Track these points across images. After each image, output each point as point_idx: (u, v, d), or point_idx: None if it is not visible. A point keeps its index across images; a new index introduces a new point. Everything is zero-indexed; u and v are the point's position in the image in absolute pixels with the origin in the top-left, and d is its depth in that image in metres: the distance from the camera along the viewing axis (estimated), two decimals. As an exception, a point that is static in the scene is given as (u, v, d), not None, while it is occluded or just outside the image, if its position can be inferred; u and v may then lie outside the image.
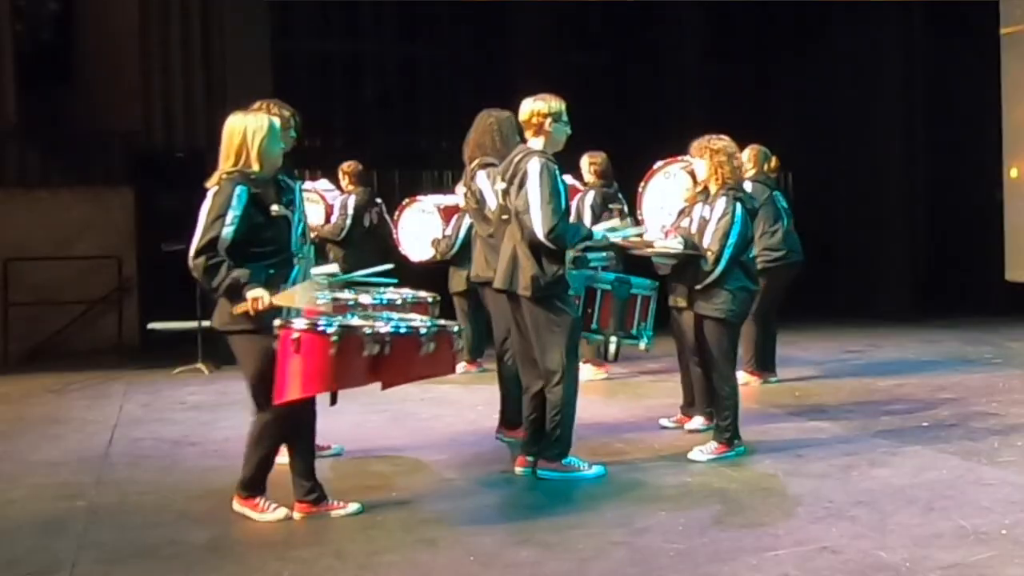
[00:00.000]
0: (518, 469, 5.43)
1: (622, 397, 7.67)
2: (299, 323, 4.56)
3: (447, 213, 8.61)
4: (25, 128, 10.96)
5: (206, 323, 9.28)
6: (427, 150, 13.45)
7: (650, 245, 5.96)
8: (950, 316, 12.14)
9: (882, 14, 12.97)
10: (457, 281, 8.40)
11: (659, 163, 6.93)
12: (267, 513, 4.70)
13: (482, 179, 6.10)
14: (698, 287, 5.71)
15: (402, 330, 4.65)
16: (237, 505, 4.75)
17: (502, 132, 6.13)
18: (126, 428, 6.88)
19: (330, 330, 4.49)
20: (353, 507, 4.74)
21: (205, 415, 7.31)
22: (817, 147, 14.04)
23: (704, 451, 5.71)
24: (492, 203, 6.03)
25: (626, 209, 7.82)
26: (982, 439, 6.04)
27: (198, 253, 4.50)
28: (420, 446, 6.10)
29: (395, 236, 8.81)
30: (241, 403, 7.66)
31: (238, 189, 4.49)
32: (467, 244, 7.54)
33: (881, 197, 13.25)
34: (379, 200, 9.30)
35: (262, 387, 4.58)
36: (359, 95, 12.16)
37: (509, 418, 6.18)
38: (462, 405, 7.14)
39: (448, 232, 8.40)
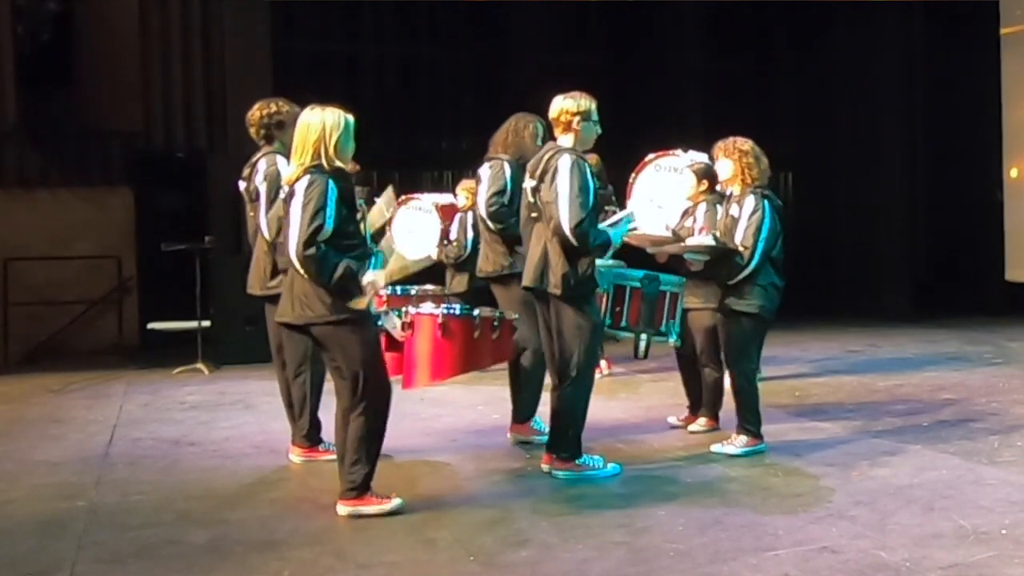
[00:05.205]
0: (543, 467, 5.43)
1: (622, 397, 7.67)
2: (428, 308, 5.03)
3: (445, 212, 8.60)
4: (25, 128, 10.96)
5: (206, 323, 9.39)
6: (427, 150, 13.45)
7: (681, 241, 5.99)
8: (950, 316, 12.16)
9: (882, 14, 12.98)
10: (458, 282, 8.39)
11: (651, 155, 6.93)
12: (387, 504, 4.67)
13: (484, 172, 6.14)
14: (731, 282, 5.74)
15: (499, 317, 5.25)
16: (346, 508, 4.64)
17: (518, 132, 6.13)
18: (126, 428, 6.88)
19: (475, 313, 5.08)
20: (395, 502, 4.71)
21: (205, 415, 7.31)
22: (817, 147, 14.06)
23: (736, 445, 5.77)
24: (480, 198, 6.09)
25: (618, 212, 7.79)
26: (982, 439, 6.04)
27: (306, 244, 4.44)
28: (420, 446, 6.09)
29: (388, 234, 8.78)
30: (241, 403, 7.71)
31: (329, 183, 4.50)
32: (478, 247, 7.51)
33: (881, 197, 13.26)
34: (377, 199, 9.29)
35: (365, 376, 4.55)
36: (359, 95, 12.14)
37: (519, 413, 6.17)
38: (462, 405, 7.14)
39: (455, 236, 8.37)
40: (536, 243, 5.34)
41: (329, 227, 4.47)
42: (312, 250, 4.43)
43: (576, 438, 5.37)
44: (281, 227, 5.41)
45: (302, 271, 4.50)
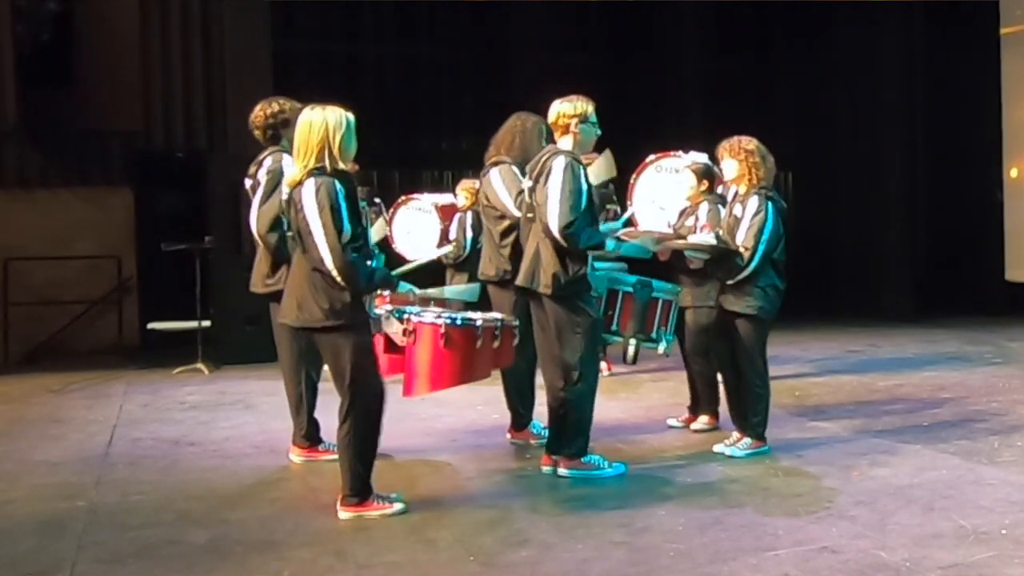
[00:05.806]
0: (544, 468, 5.44)
1: (622, 397, 7.67)
2: (429, 317, 4.96)
3: (444, 212, 8.60)
4: (25, 128, 10.96)
5: (206, 323, 9.39)
6: (427, 150, 13.46)
7: (683, 239, 5.98)
8: (950, 316, 12.16)
9: (882, 14, 12.98)
10: (457, 282, 8.39)
11: (651, 156, 6.94)
12: (388, 509, 4.67)
13: (495, 176, 6.07)
14: (730, 282, 5.73)
15: (500, 324, 5.19)
16: (348, 514, 4.63)
17: (524, 134, 6.08)
18: (126, 428, 6.88)
19: (478, 323, 4.99)
20: (398, 507, 4.71)
21: (205, 415, 7.31)
22: (817, 147, 14.06)
23: (740, 447, 5.75)
24: (507, 200, 5.99)
25: (619, 211, 7.79)
26: (982, 439, 6.04)
27: (343, 251, 4.42)
28: (420, 446, 6.10)
29: (389, 234, 8.78)
30: (241, 403, 7.71)
31: (335, 185, 4.48)
32: (477, 248, 7.50)
33: (881, 197, 13.26)
34: (378, 200, 9.31)
35: (353, 381, 4.56)
36: (359, 95, 12.16)
37: (515, 420, 6.17)
38: (462, 405, 7.14)
39: (454, 236, 8.37)
40: (530, 244, 5.39)
41: (348, 231, 4.44)
42: (349, 258, 4.42)
43: (582, 436, 5.36)
44: (274, 223, 5.45)
45: (341, 280, 4.46)
